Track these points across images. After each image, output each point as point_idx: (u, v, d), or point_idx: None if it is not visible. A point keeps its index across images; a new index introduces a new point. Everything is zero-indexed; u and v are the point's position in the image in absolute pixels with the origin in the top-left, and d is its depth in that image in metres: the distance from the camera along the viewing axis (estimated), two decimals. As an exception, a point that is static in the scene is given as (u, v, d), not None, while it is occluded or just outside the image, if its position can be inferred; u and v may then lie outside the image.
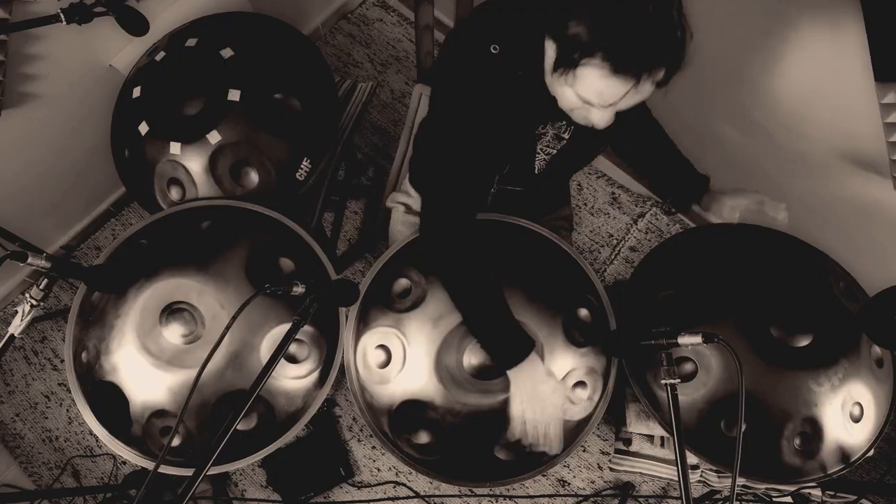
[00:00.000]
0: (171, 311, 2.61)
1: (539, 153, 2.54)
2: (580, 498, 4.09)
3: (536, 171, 2.62)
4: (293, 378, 2.64)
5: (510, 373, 2.44)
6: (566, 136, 2.50)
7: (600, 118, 2.15)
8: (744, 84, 3.27)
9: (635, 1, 1.82)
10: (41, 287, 2.45)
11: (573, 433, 2.63)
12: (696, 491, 3.47)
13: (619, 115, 2.17)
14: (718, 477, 3.10)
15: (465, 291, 2.46)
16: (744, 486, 2.94)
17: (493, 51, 2.20)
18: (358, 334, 2.66)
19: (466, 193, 2.43)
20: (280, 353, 2.05)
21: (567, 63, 1.97)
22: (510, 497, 4.09)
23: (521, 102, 2.30)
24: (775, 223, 2.78)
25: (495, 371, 2.52)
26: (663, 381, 2.22)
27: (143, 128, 2.93)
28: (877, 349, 2.73)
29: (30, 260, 2.27)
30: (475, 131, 2.29)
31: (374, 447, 4.15)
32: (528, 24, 2.17)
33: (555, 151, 2.55)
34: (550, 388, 2.43)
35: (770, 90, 3.19)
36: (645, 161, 3.00)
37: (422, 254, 2.68)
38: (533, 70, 2.19)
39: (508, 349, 2.44)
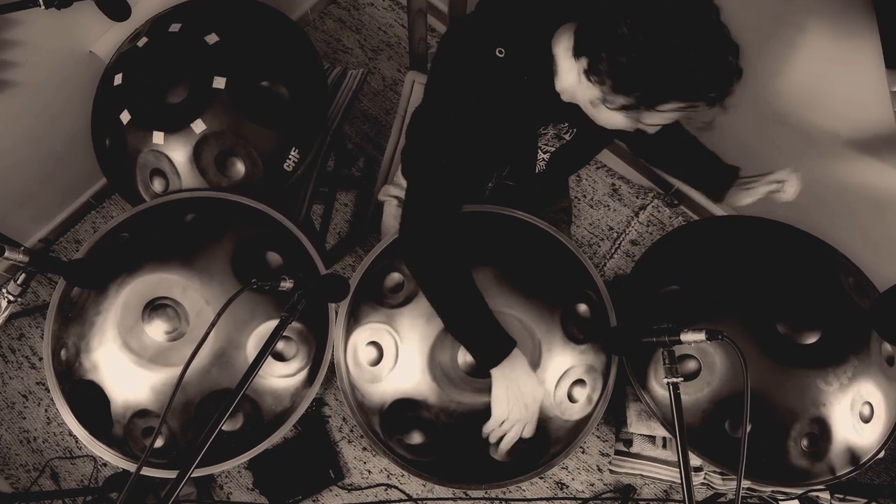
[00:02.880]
0: (154, 307, 2.60)
1: (538, 151, 2.55)
2: (579, 501, 4.09)
3: (537, 171, 2.63)
4: (281, 377, 2.64)
5: (494, 372, 2.44)
6: (567, 136, 2.51)
7: (625, 126, 2.21)
8: (753, 72, 3.26)
9: (700, 37, 1.87)
10: (18, 282, 2.45)
11: (571, 434, 2.63)
12: (700, 494, 3.48)
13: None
14: (723, 479, 3.10)
15: (443, 291, 2.46)
16: (749, 489, 2.94)
17: (499, 54, 2.20)
18: (348, 331, 2.66)
19: (454, 195, 2.43)
20: (267, 350, 2.05)
21: (645, 105, 2.00)
22: (506, 500, 4.10)
23: (524, 106, 2.31)
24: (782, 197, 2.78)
25: (486, 370, 2.52)
26: (665, 380, 2.22)
27: (125, 116, 2.92)
28: (887, 347, 2.73)
29: (6, 254, 2.26)
30: (472, 136, 2.29)
31: (364, 448, 4.15)
32: (537, 27, 2.18)
33: (553, 150, 2.56)
34: (531, 386, 2.44)
35: (779, 78, 3.19)
36: (669, 158, 3.00)
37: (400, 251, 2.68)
38: (538, 73, 2.20)
39: (491, 348, 2.44)
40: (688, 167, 2.97)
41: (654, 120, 2.06)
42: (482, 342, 2.44)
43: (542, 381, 2.55)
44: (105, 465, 4.19)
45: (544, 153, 2.57)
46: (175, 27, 2.99)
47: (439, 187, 2.38)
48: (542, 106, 2.30)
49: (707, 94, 1.94)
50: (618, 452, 3.24)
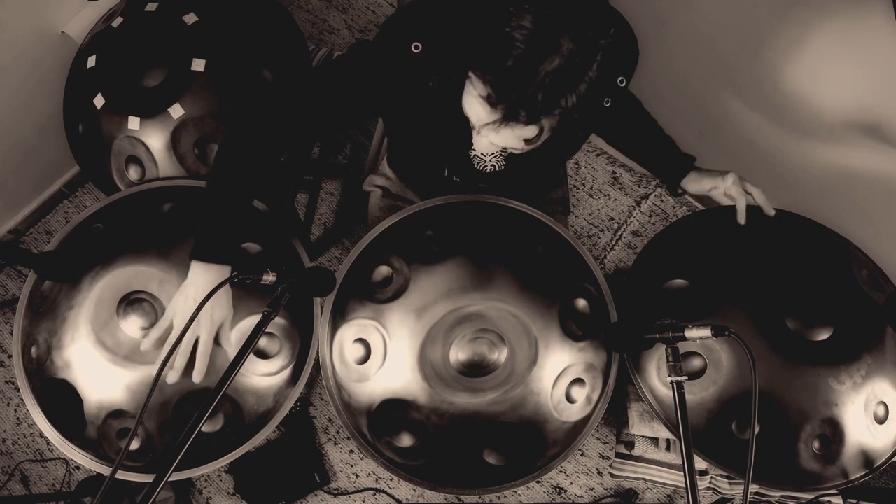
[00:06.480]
0: (130, 301, 2.60)
1: (484, 157, 2.57)
2: (578, 506, 4.10)
3: (487, 171, 2.64)
4: (263, 375, 2.64)
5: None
6: None
7: (477, 140, 2.31)
8: (759, 55, 3.27)
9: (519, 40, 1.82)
10: (-14, 275, 2.45)
11: (570, 435, 2.64)
12: (705, 499, 3.48)
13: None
14: (730, 483, 3.11)
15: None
16: (757, 493, 2.95)
17: (415, 49, 2.23)
18: (334, 327, 2.66)
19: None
20: (249, 347, 2.05)
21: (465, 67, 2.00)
22: (501, 505, 4.11)
23: (436, 107, 2.36)
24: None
25: (483, 368, 2.52)
26: (669, 379, 2.23)
27: (99, 101, 2.91)
28: (903, 343, 2.74)
29: (-27, 246, 2.26)
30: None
31: (351, 451, 4.15)
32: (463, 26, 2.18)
33: (517, 151, 2.57)
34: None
35: (787, 62, 3.19)
36: (622, 139, 3.00)
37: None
38: (454, 76, 2.19)
39: None
40: (644, 149, 2.98)
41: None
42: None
43: (539, 380, 2.56)
44: (78, 468, 4.18)
45: (492, 157, 2.58)
46: (151, 6, 2.98)
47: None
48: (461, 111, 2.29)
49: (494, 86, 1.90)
50: (619, 455, 3.24)
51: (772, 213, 2.76)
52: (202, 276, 2.35)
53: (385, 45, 2.29)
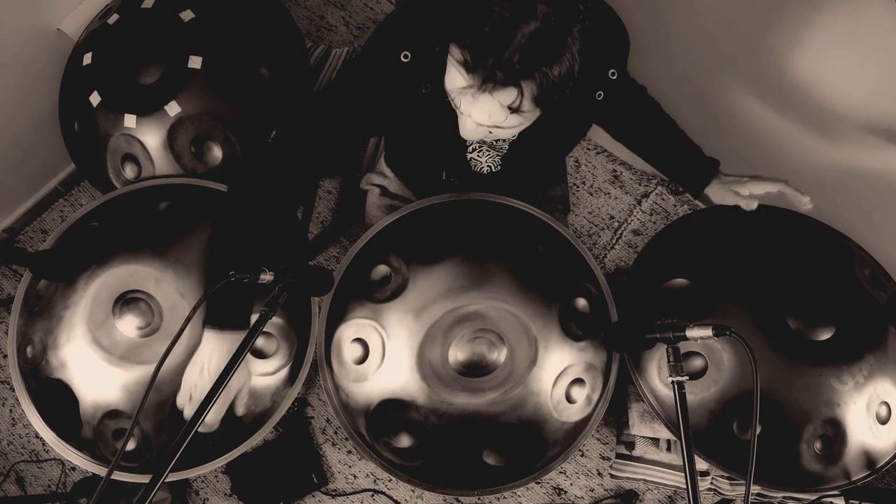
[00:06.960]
0: (126, 300, 2.59)
1: (479, 158, 2.60)
2: (578, 507, 4.10)
3: (485, 172, 2.65)
4: (260, 375, 2.63)
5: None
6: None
7: (462, 124, 2.22)
8: (759, 53, 3.26)
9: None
10: (-19, 274, 2.44)
11: (570, 436, 2.63)
12: (707, 500, 3.47)
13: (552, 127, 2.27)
14: (731, 484, 3.11)
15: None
16: (759, 494, 2.95)
17: (404, 59, 2.25)
18: (332, 327, 2.65)
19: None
20: (246, 347, 2.05)
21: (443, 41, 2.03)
22: (500, 506, 4.10)
23: (430, 114, 2.37)
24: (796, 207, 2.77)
25: (483, 368, 2.52)
26: (670, 379, 2.22)
27: (95, 98, 2.91)
28: (905, 343, 2.73)
29: (-32, 244, 2.26)
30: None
31: (349, 451, 4.14)
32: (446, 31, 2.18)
33: (505, 151, 2.57)
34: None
35: (788, 59, 3.19)
36: (644, 143, 2.98)
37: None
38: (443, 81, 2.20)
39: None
40: (664, 154, 2.95)
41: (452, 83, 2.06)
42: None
43: (539, 380, 2.55)
44: (74, 469, 4.17)
45: (495, 152, 2.60)
46: (148, 3, 2.97)
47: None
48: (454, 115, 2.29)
49: (466, 53, 1.92)
50: (619, 456, 3.24)
51: (807, 206, 2.74)
52: (217, 345, 2.36)
53: (374, 58, 2.31)
